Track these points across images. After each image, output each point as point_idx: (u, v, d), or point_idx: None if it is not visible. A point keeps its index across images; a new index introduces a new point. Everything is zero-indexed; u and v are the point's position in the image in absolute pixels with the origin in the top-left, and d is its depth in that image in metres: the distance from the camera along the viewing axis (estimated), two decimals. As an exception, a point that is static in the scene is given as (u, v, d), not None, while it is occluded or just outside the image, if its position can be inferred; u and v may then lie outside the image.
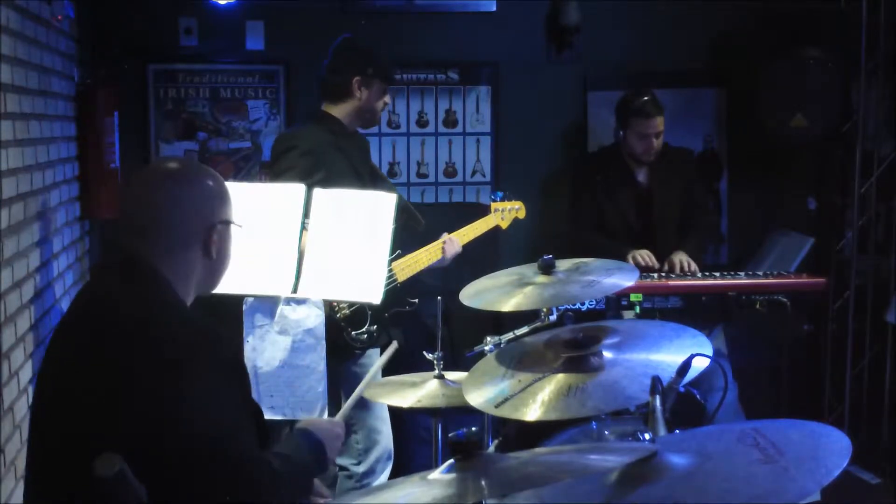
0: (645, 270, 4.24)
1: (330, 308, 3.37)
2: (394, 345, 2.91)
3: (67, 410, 1.92)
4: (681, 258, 4.33)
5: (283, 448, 2.15)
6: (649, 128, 4.43)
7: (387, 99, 3.84)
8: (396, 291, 3.58)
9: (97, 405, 1.88)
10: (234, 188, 2.21)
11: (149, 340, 1.92)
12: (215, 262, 2.15)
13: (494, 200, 4.21)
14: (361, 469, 3.73)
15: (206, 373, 1.93)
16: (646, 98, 4.46)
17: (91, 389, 1.89)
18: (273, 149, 3.82)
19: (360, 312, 3.49)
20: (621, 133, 4.55)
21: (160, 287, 2.03)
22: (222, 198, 2.15)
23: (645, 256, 4.33)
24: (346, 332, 3.46)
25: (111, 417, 1.86)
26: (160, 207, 2.09)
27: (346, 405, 2.60)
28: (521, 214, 4.27)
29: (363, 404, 3.62)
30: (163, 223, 2.07)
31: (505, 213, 4.20)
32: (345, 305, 3.45)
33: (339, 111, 3.76)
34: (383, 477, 3.75)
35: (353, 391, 3.35)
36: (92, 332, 1.98)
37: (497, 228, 4.19)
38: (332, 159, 3.62)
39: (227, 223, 2.16)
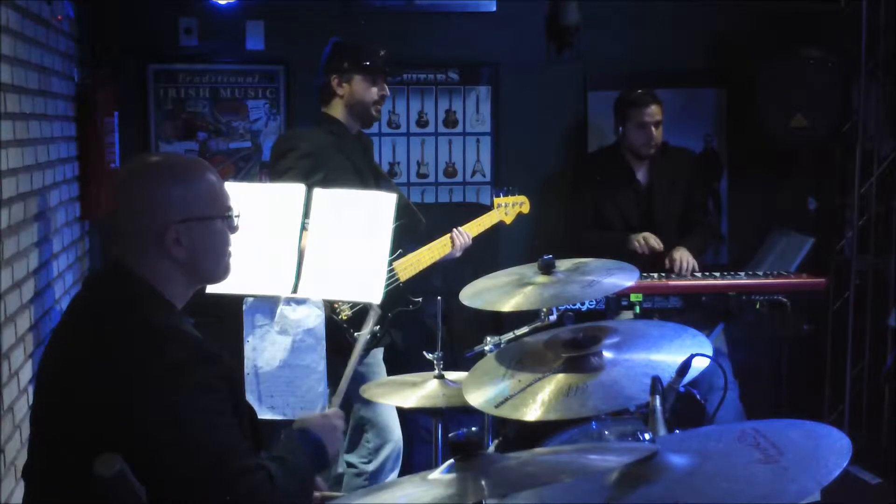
0: (650, 252, 4.25)
1: (331, 309, 3.37)
2: (374, 310, 2.90)
3: (66, 415, 1.92)
4: (682, 255, 4.33)
5: (281, 451, 2.14)
6: (647, 115, 4.47)
7: (381, 91, 3.76)
8: (399, 291, 3.59)
9: (94, 413, 1.88)
10: (233, 188, 2.20)
11: (133, 354, 1.91)
12: (188, 262, 2.05)
13: (498, 196, 4.20)
14: (371, 468, 3.73)
15: (193, 388, 1.91)
16: (641, 90, 4.54)
17: (86, 397, 1.90)
18: (272, 150, 3.81)
19: (361, 313, 3.49)
20: (620, 129, 4.56)
21: (143, 294, 2.01)
22: (184, 194, 2.04)
23: (650, 240, 4.33)
24: (348, 333, 3.46)
25: (108, 426, 1.86)
26: (121, 208, 2.08)
27: (340, 389, 2.59)
28: (525, 209, 4.25)
29: (374, 404, 3.62)
30: (126, 224, 2.05)
31: (508, 207, 4.18)
32: (346, 306, 3.45)
33: (334, 111, 3.76)
34: (393, 475, 3.75)
35: (356, 392, 3.36)
36: (84, 339, 1.97)
37: (501, 224, 4.17)
38: (333, 160, 3.62)
39: (192, 220, 2.04)
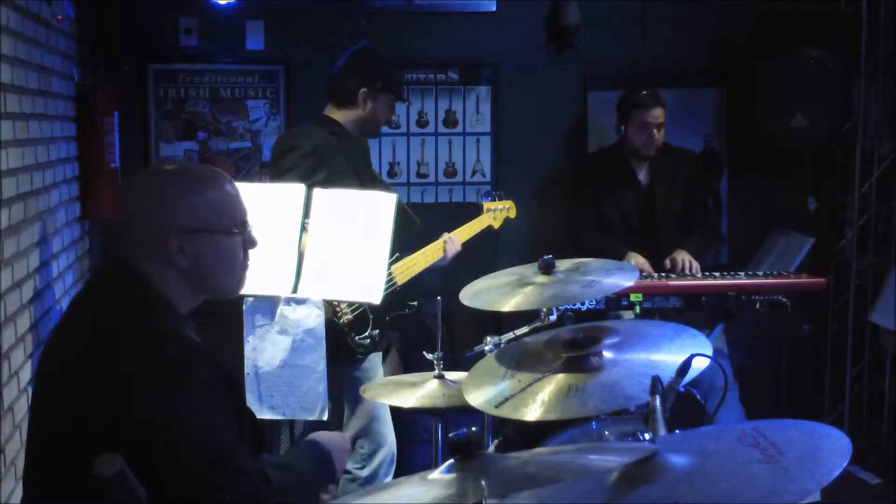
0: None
1: (333, 312, 3.37)
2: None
3: (67, 415, 1.92)
4: (683, 257, 4.33)
5: (286, 458, 2.16)
6: (649, 117, 4.47)
7: (393, 116, 3.85)
8: (396, 294, 3.58)
9: (94, 413, 1.88)
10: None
11: (133, 354, 1.92)
12: (194, 273, 2.05)
13: (486, 201, 4.23)
14: (365, 473, 3.72)
15: (193, 388, 1.91)
16: (645, 91, 4.54)
17: (85, 396, 1.90)
18: (274, 148, 3.81)
19: (362, 317, 3.49)
20: (622, 128, 4.57)
21: (147, 296, 2.02)
22: (192, 204, 2.04)
23: (641, 265, 4.31)
24: (349, 337, 3.46)
25: (108, 426, 1.86)
26: (131, 212, 2.09)
27: (355, 426, 2.60)
28: (512, 214, 4.29)
29: (372, 406, 3.62)
30: (135, 228, 2.06)
31: (497, 212, 4.21)
32: (348, 310, 3.45)
33: (342, 116, 3.75)
34: (387, 480, 3.75)
35: (354, 396, 3.36)
36: (85, 338, 1.97)
37: (490, 228, 4.19)
38: (334, 161, 3.62)
39: (197, 231, 2.04)
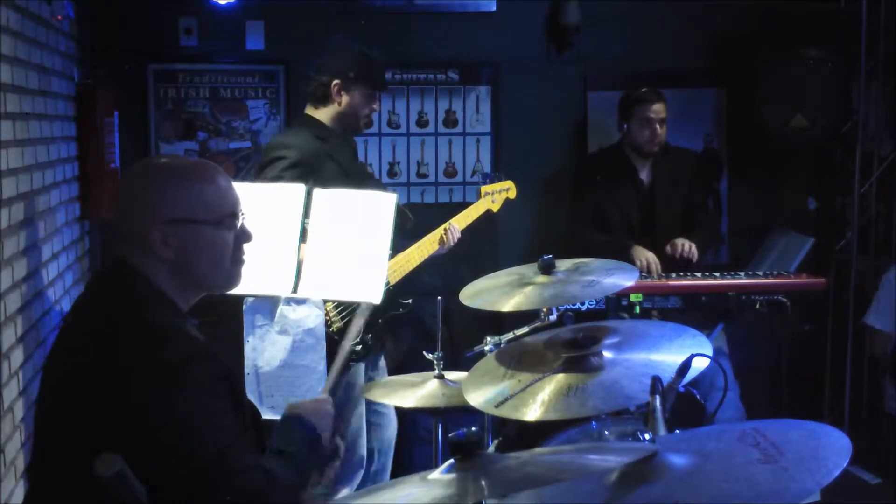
0: (647, 272, 4.24)
1: (323, 322, 3.34)
2: (362, 311, 2.78)
3: (67, 415, 1.92)
4: (682, 241, 4.33)
5: (279, 443, 2.13)
6: (651, 112, 4.49)
7: (374, 106, 3.73)
8: (390, 294, 3.54)
9: (94, 413, 1.88)
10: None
11: (133, 354, 1.91)
12: (179, 265, 2.03)
13: (484, 184, 4.16)
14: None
15: (192, 387, 1.91)
16: (646, 88, 4.57)
17: (85, 396, 1.90)
18: (262, 157, 3.74)
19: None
20: (625, 126, 4.57)
21: (146, 294, 2.01)
22: (175, 195, 2.02)
23: (648, 258, 4.30)
24: (340, 346, 3.42)
25: (108, 426, 1.86)
26: (121, 208, 2.10)
27: (331, 377, 2.55)
28: (512, 194, 4.19)
29: (349, 412, 3.58)
30: (123, 223, 2.06)
31: (496, 195, 4.13)
32: (338, 318, 3.42)
33: (322, 115, 3.70)
34: (353, 484, 3.67)
35: (347, 401, 3.33)
36: (86, 338, 1.97)
37: (489, 212, 4.12)
38: (323, 167, 3.54)
39: (179, 222, 2.02)
